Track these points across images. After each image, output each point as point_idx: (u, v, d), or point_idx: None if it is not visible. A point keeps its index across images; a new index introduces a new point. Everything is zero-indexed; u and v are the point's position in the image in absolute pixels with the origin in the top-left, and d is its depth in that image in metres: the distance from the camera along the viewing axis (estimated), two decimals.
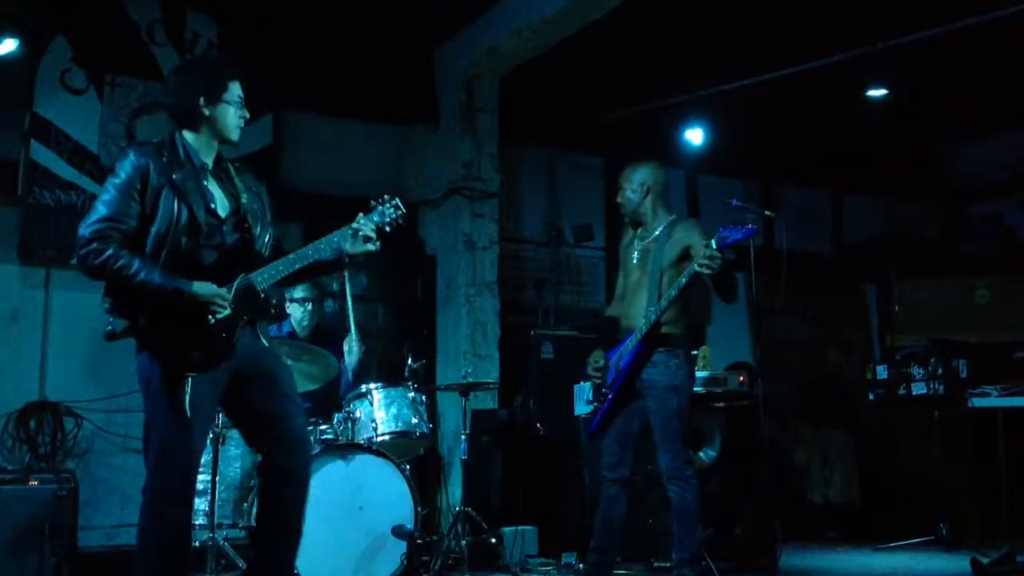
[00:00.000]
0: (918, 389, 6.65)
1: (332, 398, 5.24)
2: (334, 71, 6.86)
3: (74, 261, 3.14)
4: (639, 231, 4.53)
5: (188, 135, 3.31)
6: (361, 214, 3.44)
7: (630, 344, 4.28)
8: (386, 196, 3.49)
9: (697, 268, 4.02)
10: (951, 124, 8.36)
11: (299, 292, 5.38)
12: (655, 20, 6.29)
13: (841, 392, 8.13)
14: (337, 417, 4.99)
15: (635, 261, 4.48)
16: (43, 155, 6.01)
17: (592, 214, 7.93)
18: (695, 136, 7.61)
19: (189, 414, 3.09)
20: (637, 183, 4.48)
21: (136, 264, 3.07)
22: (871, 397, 6.98)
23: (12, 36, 5.79)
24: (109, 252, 3.07)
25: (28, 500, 4.70)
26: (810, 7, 6.16)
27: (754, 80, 6.90)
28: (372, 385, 5.00)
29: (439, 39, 7.16)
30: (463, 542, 5.19)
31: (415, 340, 6.69)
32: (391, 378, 5.24)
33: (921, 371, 6.64)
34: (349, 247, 3.38)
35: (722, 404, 5.83)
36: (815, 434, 7.57)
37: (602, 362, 4.41)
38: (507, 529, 5.66)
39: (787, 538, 5.57)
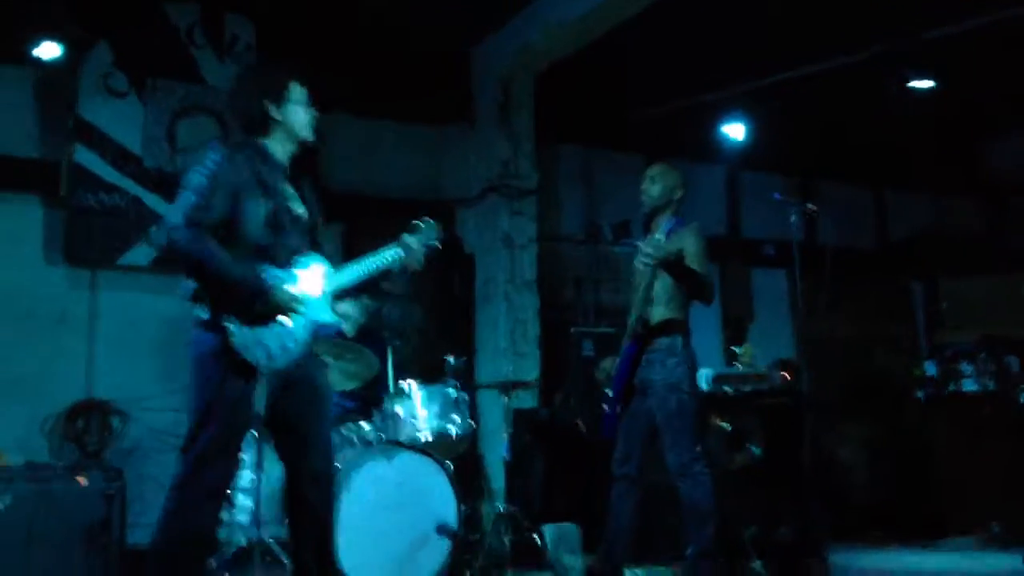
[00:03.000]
0: (968, 386, 6.54)
1: (373, 396, 5.23)
2: (371, 72, 6.88)
3: (163, 243, 3.12)
4: (647, 236, 4.54)
5: (262, 140, 3.32)
6: (405, 234, 3.49)
7: (624, 345, 4.34)
8: (428, 218, 3.55)
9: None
10: (995, 117, 8.20)
11: None
12: (692, 15, 6.23)
13: (888, 389, 8.00)
14: (378, 415, 4.99)
15: (639, 266, 4.50)
16: (87, 158, 6.09)
17: (631, 211, 7.85)
18: (735, 132, 7.54)
19: (259, 411, 3.12)
20: (666, 186, 4.50)
21: (222, 255, 3.06)
22: (919, 395, 6.87)
23: (56, 41, 5.87)
24: (199, 238, 3.04)
25: (77, 497, 4.74)
26: None
27: (794, 74, 6.81)
28: (413, 383, 4.99)
29: (475, 39, 7.15)
30: (506, 540, 5.17)
31: (455, 338, 6.69)
32: (431, 376, 5.23)
33: (971, 368, 6.53)
34: (400, 262, 3.43)
35: (766, 401, 5.75)
36: (861, 432, 7.45)
37: (609, 367, 4.49)
38: (549, 527, 5.62)
39: (834, 537, 5.48)
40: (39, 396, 5.85)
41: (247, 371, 3.10)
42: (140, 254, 6.12)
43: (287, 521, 3.46)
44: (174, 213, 3.09)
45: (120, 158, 6.19)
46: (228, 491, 3.30)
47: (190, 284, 3.14)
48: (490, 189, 7.00)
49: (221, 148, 3.19)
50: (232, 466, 3.24)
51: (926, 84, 7.14)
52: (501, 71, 7.01)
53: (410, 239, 3.46)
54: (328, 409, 3.43)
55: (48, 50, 5.88)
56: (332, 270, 3.36)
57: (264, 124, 3.30)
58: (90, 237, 6.06)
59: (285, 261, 3.24)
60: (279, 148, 3.33)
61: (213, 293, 3.09)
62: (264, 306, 3.11)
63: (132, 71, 6.28)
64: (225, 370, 3.08)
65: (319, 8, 6.46)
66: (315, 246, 3.38)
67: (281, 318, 3.16)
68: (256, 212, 3.15)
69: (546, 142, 7.31)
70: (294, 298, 3.17)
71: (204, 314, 3.10)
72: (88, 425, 5.90)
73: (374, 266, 3.40)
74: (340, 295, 3.45)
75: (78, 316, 6.07)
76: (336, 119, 7.00)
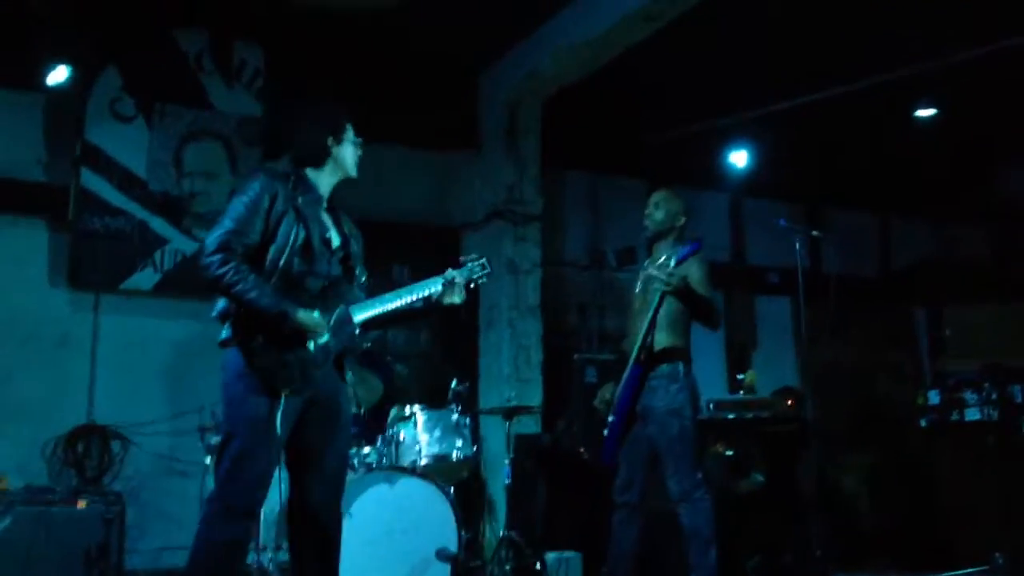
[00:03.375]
0: (971, 415, 6.49)
1: (376, 421, 5.23)
2: (377, 97, 6.92)
3: (203, 268, 3.15)
4: (646, 262, 4.54)
5: (310, 171, 3.42)
6: (450, 268, 3.55)
7: (626, 372, 4.32)
8: (475, 255, 3.64)
9: (654, 285, 4.16)
10: (1001, 144, 8.21)
11: None
12: (697, 42, 6.27)
13: (891, 418, 7.96)
14: (380, 440, 4.98)
15: (638, 290, 4.51)
16: (93, 182, 6.13)
17: (635, 237, 7.87)
18: (739, 159, 7.57)
19: (280, 432, 3.13)
20: (669, 212, 4.50)
21: (251, 281, 3.13)
22: (922, 423, 6.83)
23: (65, 66, 5.92)
24: (231, 264, 3.12)
25: (76, 522, 4.74)
26: (857, 26, 6.10)
27: (799, 101, 6.84)
28: (416, 408, 4.98)
29: (481, 64, 7.20)
30: (507, 567, 5.14)
31: (458, 363, 6.69)
32: (434, 401, 5.22)
33: (974, 396, 6.48)
34: (440, 296, 3.48)
35: (769, 429, 5.73)
36: (864, 460, 7.40)
37: (608, 395, 4.45)
38: (551, 555, 5.59)
39: (837, 565, 5.43)
40: (40, 419, 5.86)
41: (270, 391, 3.14)
42: (143, 278, 6.14)
43: (290, 544, 3.45)
44: (211, 238, 3.18)
45: (126, 182, 6.23)
46: (253, 508, 3.24)
47: (220, 303, 3.23)
48: (495, 214, 7.02)
49: (266, 175, 3.30)
50: (258, 483, 3.21)
51: (930, 112, 7.16)
52: (508, 96, 7.05)
53: (453, 273, 3.53)
54: (344, 440, 3.45)
55: (57, 75, 5.93)
56: (365, 299, 3.41)
57: (320, 158, 3.42)
58: (94, 261, 6.09)
59: (318, 288, 3.30)
60: (324, 181, 3.44)
61: (242, 314, 3.16)
62: (287, 327, 3.15)
63: (140, 96, 6.33)
64: (247, 389, 3.14)
65: (327, 34, 6.51)
66: (351, 275, 3.44)
67: (308, 342, 3.21)
68: (290, 239, 3.24)
69: (551, 167, 7.34)
70: (319, 323, 3.22)
71: (226, 332, 3.19)
72: (88, 449, 5.89)
73: (409, 297, 3.45)
74: (373, 325, 3.49)
75: (81, 340, 6.08)
76: None
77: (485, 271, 3.61)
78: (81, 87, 6.12)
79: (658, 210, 4.52)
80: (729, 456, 5.55)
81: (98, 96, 6.21)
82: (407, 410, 5.01)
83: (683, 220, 4.52)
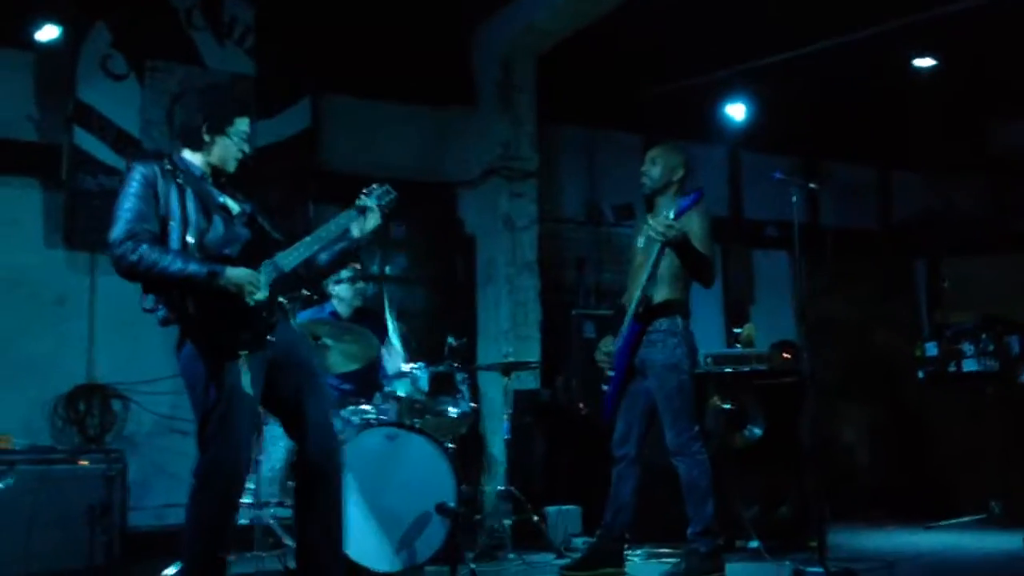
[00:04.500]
0: (969, 366, 6.53)
1: (373, 378, 5.24)
2: (371, 53, 6.87)
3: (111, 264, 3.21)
4: (647, 216, 4.51)
5: (187, 153, 3.45)
6: (362, 192, 3.65)
7: (624, 325, 4.31)
8: (375, 184, 3.71)
9: (651, 235, 4.12)
10: (1000, 96, 8.15)
11: (346, 272, 5.39)
12: None
13: (889, 370, 7.99)
14: (378, 397, 5.00)
15: (640, 245, 4.49)
16: (86, 141, 6.09)
17: (632, 193, 7.83)
18: (737, 112, 7.51)
19: (251, 391, 3.16)
20: (669, 166, 4.47)
21: (170, 255, 3.17)
22: (920, 375, 6.86)
23: (55, 23, 5.85)
24: (143, 248, 3.14)
25: (78, 480, 4.78)
26: None
27: (796, 53, 6.77)
28: (413, 365, 4.99)
29: (476, 18, 7.12)
30: (506, 522, 5.19)
31: (456, 320, 6.70)
32: (432, 357, 5.24)
33: (972, 348, 6.51)
34: (356, 227, 3.57)
35: (767, 382, 5.75)
36: (862, 412, 7.46)
37: (610, 347, 4.45)
38: (550, 508, 5.64)
39: (834, 517, 5.49)
40: (41, 380, 5.88)
41: (227, 358, 3.17)
42: None
43: (295, 498, 3.49)
44: (113, 234, 3.18)
45: (119, 141, 6.18)
46: (240, 470, 3.29)
47: (160, 312, 3.22)
48: (491, 171, 7.00)
49: (141, 163, 3.31)
50: (239, 450, 3.25)
51: (929, 63, 7.10)
52: (503, 51, 6.99)
53: (364, 200, 3.61)
54: (317, 386, 3.47)
55: (47, 32, 5.86)
56: (288, 249, 3.41)
57: (196, 142, 3.43)
58: (89, 220, 6.02)
59: (237, 252, 3.31)
60: (202, 162, 3.44)
61: (175, 296, 3.16)
62: (222, 285, 3.17)
63: (131, 53, 6.27)
64: (204, 365, 3.17)
65: None
66: (263, 234, 3.45)
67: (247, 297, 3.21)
68: (188, 212, 3.26)
69: (547, 123, 7.29)
70: (251, 274, 3.24)
71: (162, 312, 3.21)
72: (89, 408, 5.92)
73: (329, 233, 3.49)
74: (314, 271, 3.57)
75: (79, 299, 6.08)
76: (337, 101, 6.99)
77: (390, 195, 3.68)
78: (71, 44, 6.05)
79: (655, 166, 4.49)
80: (727, 409, 5.57)
81: (88, 53, 6.14)
82: (407, 366, 5.02)
83: (682, 173, 4.48)
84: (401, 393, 4.87)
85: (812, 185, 5.03)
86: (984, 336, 6.50)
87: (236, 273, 3.20)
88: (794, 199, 4.64)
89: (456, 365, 5.08)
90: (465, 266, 7.24)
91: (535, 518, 5.34)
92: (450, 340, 5.20)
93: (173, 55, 6.39)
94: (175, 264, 3.14)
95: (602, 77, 7.21)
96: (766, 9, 6.39)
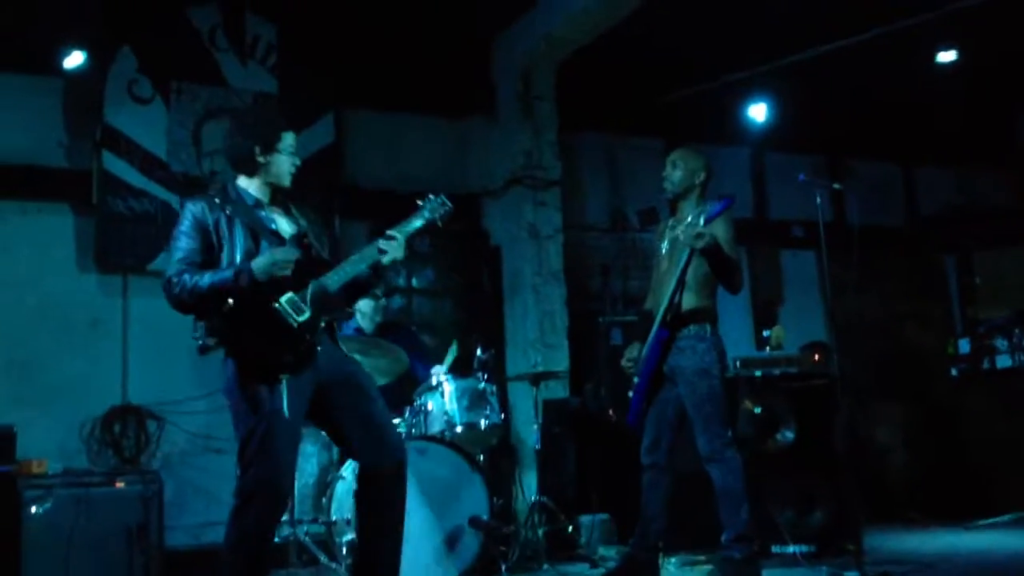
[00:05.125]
0: (1003, 362, 6.46)
1: (403, 392, 5.27)
2: (392, 67, 6.90)
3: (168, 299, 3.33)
4: (670, 221, 4.51)
5: (242, 180, 3.54)
6: (417, 202, 3.64)
7: (652, 332, 4.30)
8: (431, 195, 3.69)
9: (680, 241, 4.12)
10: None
11: None
12: None
13: (921, 368, 7.91)
14: (408, 410, 5.02)
15: (664, 251, 4.48)
16: (115, 164, 6.17)
17: (656, 197, 7.81)
18: (759, 112, 7.47)
19: (288, 415, 3.18)
20: (690, 169, 4.46)
21: (201, 273, 3.28)
22: (953, 372, 6.79)
23: (80, 49, 5.94)
24: (184, 278, 3.28)
25: (115, 502, 4.83)
26: None
27: (817, 52, 6.73)
28: (443, 377, 5.01)
29: (495, 29, 7.15)
30: (540, 532, 5.19)
31: (483, 331, 6.71)
32: (461, 370, 5.26)
33: (1005, 343, 6.45)
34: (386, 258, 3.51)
35: (797, 384, 5.71)
36: (895, 412, 7.38)
37: (635, 353, 4.43)
38: (583, 518, 5.64)
39: (869, 519, 5.45)
40: (76, 402, 5.95)
41: (269, 380, 3.21)
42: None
43: (358, 509, 3.51)
44: (168, 274, 3.33)
45: (147, 163, 6.27)
46: (281, 491, 3.32)
47: (200, 340, 3.28)
48: (514, 181, 7.00)
49: (190, 202, 3.45)
50: (281, 473, 3.27)
51: (952, 57, 7.03)
52: (522, 61, 7.00)
53: (418, 212, 3.61)
54: (371, 400, 3.46)
55: (74, 59, 5.95)
56: (332, 270, 3.44)
57: (248, 165, 3.51)
58: (121, 243, 6.14)
59: (281, 275, 3.33)
60: (258, 186, 3.52)
61: (216, 323, 3.23)
62: (254, 278, 3.22)
63: (156, 76, 6.35)
64: (248, 387, 3.22)
65: (339, 5, 6.47)
66: (314, 255, 3.49)
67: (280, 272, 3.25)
68: (236, 242, 3.36)
69: (568, 131, 7.29)
70: (277, 257, 3.28)
71: (211, 341, 3.26)
72: (125, 430, 5.99)
73: (372, 255, 3.48)
74: (352, 295, 3.61)
75: (112, 322, 6.16)
76: (360, 115, 7.04)
77: (445, 207, 3.66)
78: (98, 70, 6.14)
79: (676, 170, 4.48)
80: (758, 413, 5.54)
81: (115, 78, 6.23)
82: (434, 380, 5.04)
83: (703, 176, 4.47)
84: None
85: (836, 185, 5.00)
86: (1017, 331, 6.43)
87: (260, 260, 3.27)
88: (818, 199, 4.62)
89: (485, 376, 5.09)
90: (491, 277, 7.24)
91: (569, 528, 5.34)
92: (479, 352, 5.22)
93: (197, 76, 6.46)
94: (204, 279, 3.25)
95: (622, 82, 7.20)
96: (785, 8, 6.36)
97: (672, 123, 7.55)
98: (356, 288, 3.60)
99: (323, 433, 4.87)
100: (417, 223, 3.60)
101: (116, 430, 5.97)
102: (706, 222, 4.11)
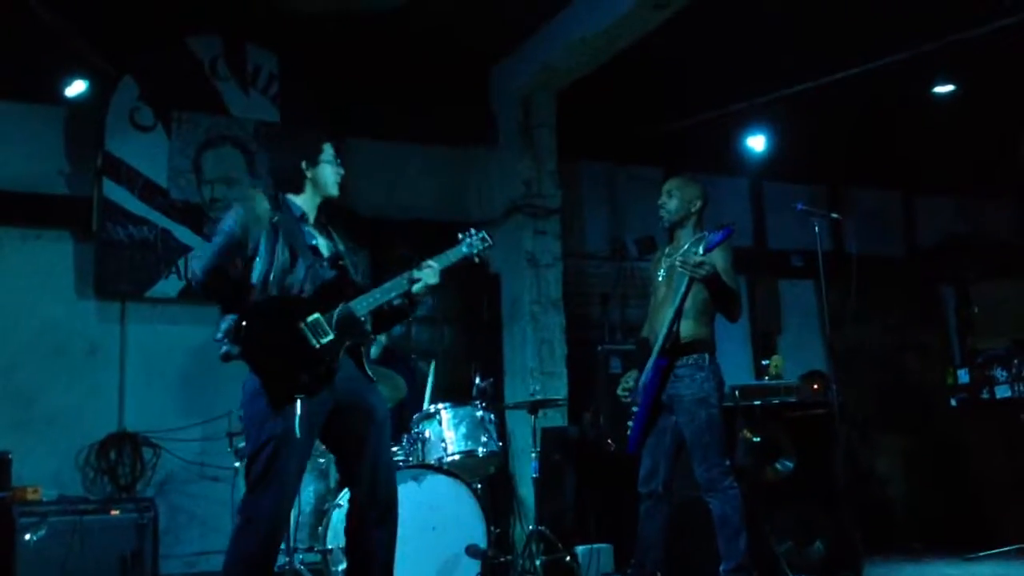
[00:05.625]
0: (1002, 392, 6.44)
1: (401, 419, 5.25)
2: (392, 96, 6.95)
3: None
4: (667, 248, 4.51)
5: (291, 196, 3.57)
6: (459, 234, 3.67)
7: (651, 360, 4.28)
8: (472, 230, 3.71)
9: (679, 269, 4.11)
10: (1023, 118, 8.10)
11: None
12: (710, 28, 6.23)
13: (920, 398, 7.89)
14: (406, 438, 5.00)
15: (661, 278, 4.48)
16: (115, 192, 6.20)
17: (655, 227, 7.82)
18: (757, 143, 7.51)
19: (299, 435, 3.18)
20: (686, 198, 4.47)
21: (231, 300, 3.35)
22: (953, 402, 6.77)
23: (83, 78, 5.99)
24: (210, 283, 3.37)
25: (110, 529, 4.82)
26: (871, 3, 6.04)
27: (815, 83, 6.78)
28: (440, 405, 5.00)
29: (494, 58, 7.20)
30: (537, 561, 5.15)
31: (482, 359, 6.70)
32: (459, 398, 5.24)
33: (1004, 373, 6.43)
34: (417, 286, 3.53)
35: (797, 414, 5.69)
36: (894, 442, 7.35)
37: (631, 383, 4.42)
38: (581, 548, 5.59)
39: (869, 550, 5.41)
40: (73, 429, 5.94)
41: (286, 400, 3.20)
42: (169, 286, 6.21)
43: (348, 542, 3.51)
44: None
45: (147, 191, 6.29)
46: (283, 513, 3.33)
47: (221, 337, 3.33)
48: (514, 209, 7.03)
49: (239, 207, 3.46)
50: (285, 495, 3.27)
51: (949, 88, 7.08)
52: (521, 90, 7.05)
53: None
54: (380, 437, 3.47)
55: (76, 88, 6.00)
56: (361, 296, 3.44)
57: (296, 181, 3.57)
58: (120, 270, 6.15)
59: (314, 291, 3.38)
60: (306, 201, 3.57)
61: (241, 328, 3.26)
62: (275, 331, 3.25)
63: (158, 105, 6.39)
64: (265, 405, 3.21)
65: (339, 36, 6.53)
66: (346, 276, 3.50)
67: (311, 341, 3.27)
68: (275, 250, 3.37)
69: (567, 159, 7.32)
70: (309, 325, 3.28)
71: (234, 350, 3.27)
72: (120, 457, 5.96)
73: (401, 286, 3.49)
74: (381, 324, 3.66)
75: (109, 349, 6.15)
76: (359, 144, 7.06)
77: (486, 243, 3.68)
78: (99, 98, 6.18)
79: (671, 199, 4.49)
80: (757, 442, 5.52)
81: (117, 107, 6.27)
82: (431, 407, 5.03)
83: (699, 204, 4.48)
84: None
85: (834, 215, 5.02)
86: (1016, 361, 6.41)
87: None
88: (817, 229, 4.63)
89: (483, 405, 5.07)
90: (490, 305, 7.25)
91: (567, 558, 5.30)
92: (477, 381, 5.21)
93: (199, 105, 6.50)
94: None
95: (622, 112, 7.24)
96: (783, 40, 6.41)
97: (671, 152, 7.58)
98: (392, 315, 3.63)
99: (320, 460, 4.89)
100: (455, 256, 3.62)
101: (112, 457, 5.94)
102: (706, 251, 4.11)
